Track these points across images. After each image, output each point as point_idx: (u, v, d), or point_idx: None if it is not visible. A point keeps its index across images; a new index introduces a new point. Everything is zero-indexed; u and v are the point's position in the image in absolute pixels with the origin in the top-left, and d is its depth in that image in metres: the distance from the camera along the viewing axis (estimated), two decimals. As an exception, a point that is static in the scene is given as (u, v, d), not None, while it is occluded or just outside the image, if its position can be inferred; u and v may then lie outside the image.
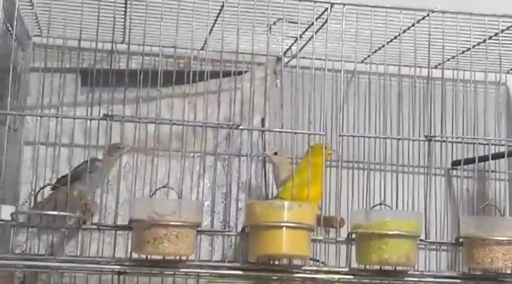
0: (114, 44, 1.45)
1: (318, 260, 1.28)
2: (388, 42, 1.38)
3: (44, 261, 1.22)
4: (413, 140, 1.38)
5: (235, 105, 1.49)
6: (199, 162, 1.50)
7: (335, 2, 1.29)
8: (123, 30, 1.48)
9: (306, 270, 1.23)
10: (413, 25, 1.34)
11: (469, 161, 1.43)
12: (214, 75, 1.48)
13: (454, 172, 1.59)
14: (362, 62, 1.54)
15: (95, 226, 1.25)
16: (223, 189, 1.52)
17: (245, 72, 1.59)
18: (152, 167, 1.30)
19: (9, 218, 1.21)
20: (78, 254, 1.31)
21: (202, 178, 1.49)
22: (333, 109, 1.45)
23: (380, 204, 1.24)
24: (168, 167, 1.27)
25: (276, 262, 1.25)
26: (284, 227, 1.17)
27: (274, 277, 1.26)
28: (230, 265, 1.26)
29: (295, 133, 1.30)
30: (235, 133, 1.49)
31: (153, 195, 1.23)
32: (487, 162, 1.39)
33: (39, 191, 1.25)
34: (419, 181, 1.53)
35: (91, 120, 1.32)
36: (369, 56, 1.48)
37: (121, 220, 1.27)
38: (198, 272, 1.26)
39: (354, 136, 1.29)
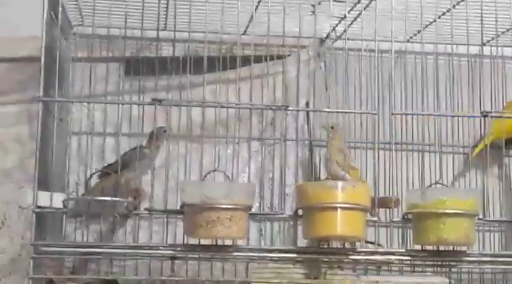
0: (156, 32, 1.45)
1: (373, 243, 1.25)
2: (439, 17, 1.33)
3: (95, 248, 1.21)
4: (469, 117, 1.34)
5: (278, 89, 1.48)
6: (245, 147, 1.49)
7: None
8: (165, 17, 1.47)
9: (360, 252, 1.21)
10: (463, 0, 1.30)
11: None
12: (257, 59, 1.47)
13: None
14: (408, 41, 1.50)
15: (146, 211, 1.24)
16: (269, 174, 1.50)
17: (288, 55, 1.56)
18: (198, 153, 1.29)
19: (60, 205, 1.21)
20: (130, 241, 1.30)
21: (249, 163, 1.48)
22: (381, 89, 1.42)
23: (436, 183, 1.21)
24: (214, 153, 1.25)
25: (326, 246, 1.23)
26: (338, 208, 1.15)
27: (324, 260, 1.23)
28: (283, 248, 1.24)
29: (345, 112, 1.28)
30: (280, 118, 1.48)
31: (203, 178, 1.21)
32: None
33: (90, 177, 1.25)
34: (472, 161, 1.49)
35: (139, 105, 1.32)
36: (415, 35, 1.45)
37: (169, 208, 1.26)
38: (249, 257, 1.24)
39: (406, 114, 1.26)
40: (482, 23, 1.28)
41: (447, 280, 1.28)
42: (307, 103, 1.58)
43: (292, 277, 1.34)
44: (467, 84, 1.51)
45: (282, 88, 1.52)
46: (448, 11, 1.33)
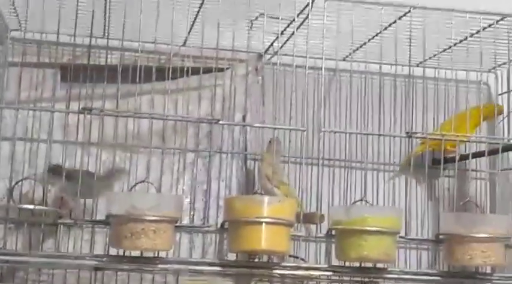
0: (94, 39, 1.44)
1: (297, 257, 1.27)
2: (369, 39, 1.38)
3: (20, 256, 1.20)
4: (394, 136, 1.38)
5: (215, 102, 1.49)
6: (179, 159, 1.49)
7: (316, -4, 1.29)
8: (103, 24, 1.47)
9: (285, 266, 1.22)
10: (394, 22, 1.33)
11: (450, 159, 1.43)
12: (196, 71, 1.48)
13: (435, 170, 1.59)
14: (344, 59, 1.53)
15: (71, 221, 1.23)
16: (203, 186, 1.51)
17: (226, 68, 1.58)
18: (131, 163, 1.29)
19: (-16, 212, 1.20)
20: (62, 250, 1.29)
21: (183, 175, 1.48)
22: (315, 106, 1.45)
23: (361, 200, 1.23)
24: (148, 164, 1.25)
25: (256, 259, 1.24)
26: (263, 223, 1.16)
27: (255, 273, 1.24)
28: (209, 261, 1.24)
29: (275, 128, 1.30)
30: (217, 130, 1.49)
31: (131, 189, 1.21)
32: (467, 160, 1.39)
33: (15, 185, 1.24)
34: (400, 179, 1.52)
35: (68, 113, 1.31)
36: (350, 54, 1.48)
37: (101, 217, 1.26)
38: (176, 269, 1.24)
39: (334, 132, 1.28)
40: (410, 47, 1.32)
41: (370, 296, 1.30)
42: (244, 117, 1.59)
43: (221, 290, 1.35)
44: (399, 103, 1.55)
45: (218, 102, 1.53)
46: (380, 33, 1.36)
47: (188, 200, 1.43)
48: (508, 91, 1.58)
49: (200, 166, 1.54)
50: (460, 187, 1.39)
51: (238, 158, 1.58)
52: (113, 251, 1.21)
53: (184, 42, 1.54)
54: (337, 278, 1.27)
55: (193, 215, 1.35)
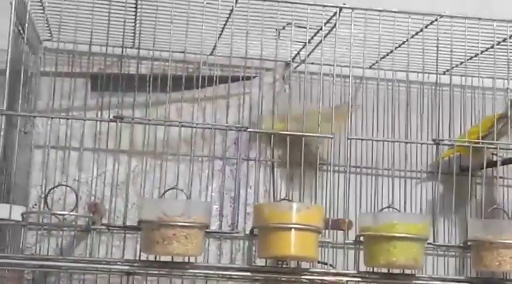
0: (125, 49, 1.47)
1: (326, 263, 1.28)
2: (396, 48, 1.39)
3: (53, 261, 1.22)
4: (421, 143, 1.38)
5: (243, 110, 1.51)
6: (208, 166, 1.51)
7: (343, 6, 1.30)
8: (133, 35, 1.50)
9: (313, 272, 1.24)
10: (421, 30, 1.34)
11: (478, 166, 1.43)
12: (223, 80, 1.50)
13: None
14: (370, 67, 1.54)
15: (104, 227, 1.25)
16: (231, 193, 1.53)
17: (254, 77, 1.60)
18: (161, 170, 1.31)
19: (19, 218, 1.22)
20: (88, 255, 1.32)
21: (211, 182, 1.50)
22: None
23: (388, 207, 1.24)
24: (177, 171, 1.27)
25: (284, 265, 1.25)
26: (292, 229, 1.18)
27: (283, 279, 1.26)
28: (238, 267, 1.26)
29: (303, 135, 1.31)
30: (244, 137, 1.51)
31: (161, 196, 1.24)
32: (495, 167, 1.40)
33: (49, 192, 1.26)
34: (427, 185, 1.53)
35: (100, 121, 1.33)
36: (377, 62, 1.49)
37: (130, 224, 1.28)
38: (206, 274, 1.26)
39: (362, 140, 1.30)
40: (437, 55, 1.33)
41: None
42: (272, 125, 1.61)
43: (249, 296, 1.37)
44: (426, 111, 1.56)
45: (246, 110, 1.55)
46: (406, 41, 1.37)
47: (216, 207, 1.45)
48: (535, 99, 1.58)
49: (228, 173, 1.56)
50: (487, 194, 1.40)
51: (266, 165, 1.60)
52: (143, 257, 1.23)
53: (213, 51, 1.57)
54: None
55: (222, 222, 1.38)
